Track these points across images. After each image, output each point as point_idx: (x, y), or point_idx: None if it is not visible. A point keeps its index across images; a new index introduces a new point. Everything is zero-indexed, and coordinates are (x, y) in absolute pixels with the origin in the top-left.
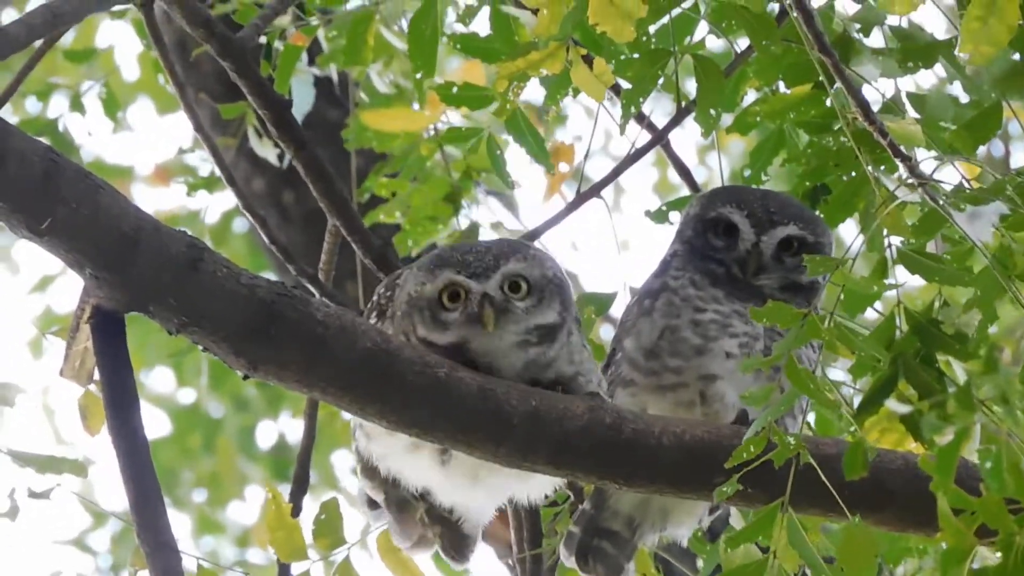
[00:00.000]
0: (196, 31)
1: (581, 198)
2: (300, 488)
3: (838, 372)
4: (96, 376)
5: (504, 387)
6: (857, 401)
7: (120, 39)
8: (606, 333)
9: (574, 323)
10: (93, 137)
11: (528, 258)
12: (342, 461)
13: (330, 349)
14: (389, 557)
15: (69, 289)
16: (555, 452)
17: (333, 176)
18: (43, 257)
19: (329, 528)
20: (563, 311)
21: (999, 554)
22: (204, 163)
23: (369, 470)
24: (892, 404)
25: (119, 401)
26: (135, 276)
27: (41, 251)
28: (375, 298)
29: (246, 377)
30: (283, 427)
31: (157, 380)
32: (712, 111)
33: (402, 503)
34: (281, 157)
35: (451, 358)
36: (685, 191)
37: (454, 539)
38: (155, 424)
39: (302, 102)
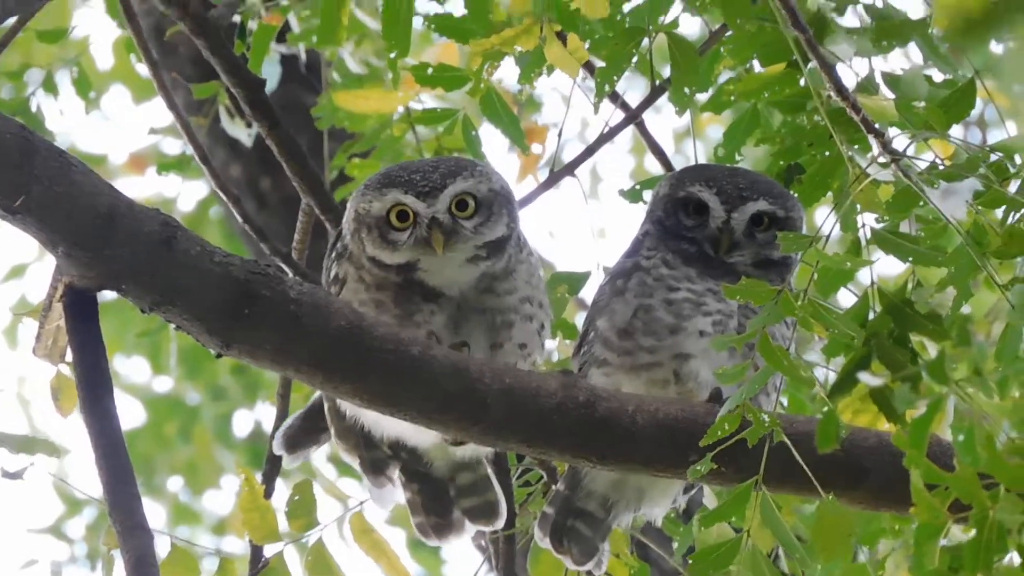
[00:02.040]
0: (170, 9)
1: (555, 176)
2: (273, 469)
3: (812, 355)
4: (69, 355)
5: (477, 365)
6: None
7: (94, 28)
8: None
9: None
10: (66, 123)
11: (475, 174)
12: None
13: (304, 327)
14: (364, 540)
15: (44, 277)
16: (529, 431)
17: (307, 155)
18: (16, 244)
19: (303, 510)
20: (511, 222)
21: (973, 531)
22: (178, 149)
23: (344, 430)
24: (866, 377)
25: (92, 380)
26: (109, 254)
27: (14, 236)
28: (333, 241)
29: (219, 355)
30: (259, 415)
31: (133, 369)
32: (687, 90)
33: (376, 464)
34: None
35: (400, 275)
36: None
37: (432, 495)
38: (131, 414)
39: (269, 80)
